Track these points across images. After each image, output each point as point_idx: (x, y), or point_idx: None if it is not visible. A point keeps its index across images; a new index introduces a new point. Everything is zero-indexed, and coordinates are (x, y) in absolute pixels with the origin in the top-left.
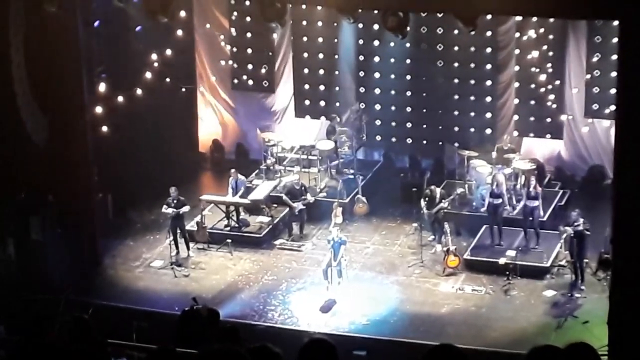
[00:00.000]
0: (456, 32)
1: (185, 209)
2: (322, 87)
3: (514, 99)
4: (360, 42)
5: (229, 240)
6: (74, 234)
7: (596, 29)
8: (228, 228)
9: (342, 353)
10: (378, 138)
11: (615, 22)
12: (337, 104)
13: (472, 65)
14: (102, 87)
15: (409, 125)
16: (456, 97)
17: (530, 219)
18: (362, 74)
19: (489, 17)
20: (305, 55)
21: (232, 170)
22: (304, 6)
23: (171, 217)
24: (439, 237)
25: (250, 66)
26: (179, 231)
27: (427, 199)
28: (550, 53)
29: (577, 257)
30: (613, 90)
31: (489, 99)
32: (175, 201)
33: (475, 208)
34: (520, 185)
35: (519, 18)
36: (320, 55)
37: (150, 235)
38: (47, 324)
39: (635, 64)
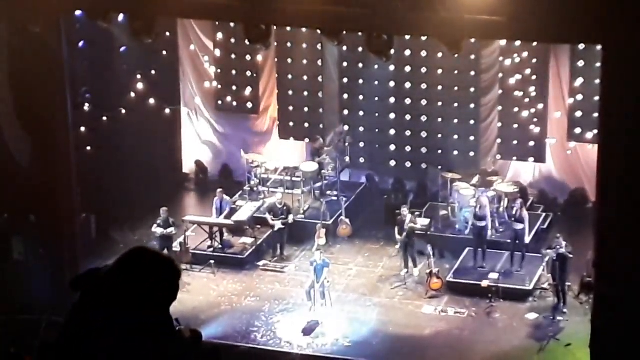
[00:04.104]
0: (440, 55)
1: (172, 230)
2: (306, 109)
3: (497, 122)
4: (345, 64)
5: (212, 261)
6: (56, 254)
7: (579, 54)
8: (211, 249)
9: None
10: (362, 160)
11: (599, 47)
12: (321, 125)
13: (456, 88)
14: (86, 107)
15: (392, 147)
16: (440, 119)
17: (517, 242)
18: (346, 96)
19: (472, 40)
20: (290, 76)
21: (219, 190)
22: (288, 28)
23: (160, 237)
24: (413, 262)
25: (234, 87)
26: (166, 252)
27: (397, 224)
28: (534, 77)
29: (559, 280)
30: (596, 115)
31: (472, 122)
32: (164, 222)
33: (459, 230)
34: (504, 208)
35: (503, 42)
36: (305, 77)
37: None
38: (28, 345)
39: (618, 88)
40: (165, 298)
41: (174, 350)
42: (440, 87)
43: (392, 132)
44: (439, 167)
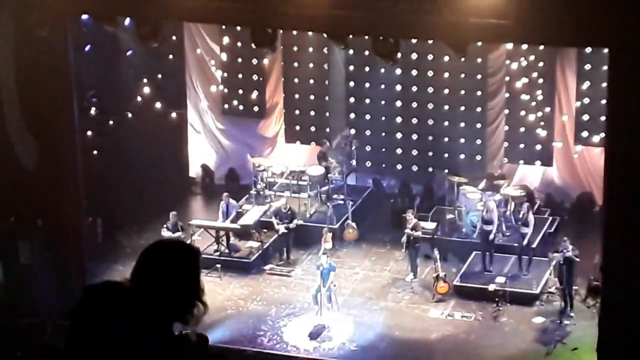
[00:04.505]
0: (447, 58)
1: (180, 234)
2: (312, 113)
3: (504, 125)
4: (351, 68)
5: (219, 265)
6: (63, 258)
7: (586, 57)
8: (218, 253)
9: None
10: (368, 164)
11: (605, 50)
12: (328, 129)
13: (462, 91)
14: (92, 111)
15: (399, 151)
16: (446, 123)
17: (524, 245)
18: (352, 99)
19: (479, 44)
20: (296, 80)
21: (225, 194)
22: (294, 32)
23: None
24: (413, 266)
25: (240, 91)
26: None
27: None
28: (540, 80)
29: (566, 284)
30: (603, 118)
31: (479, 125)
32: (173, 226)
33: (465, 234)
34: (510, 212)
35: (509, 46)
36: (311, 81)
37: None
38: (34, 349)
39: (625, 91)
40: (188, 286)
41: (180, 354)
42: (446, 91)
43: (399, 135)
44: (446, 171)
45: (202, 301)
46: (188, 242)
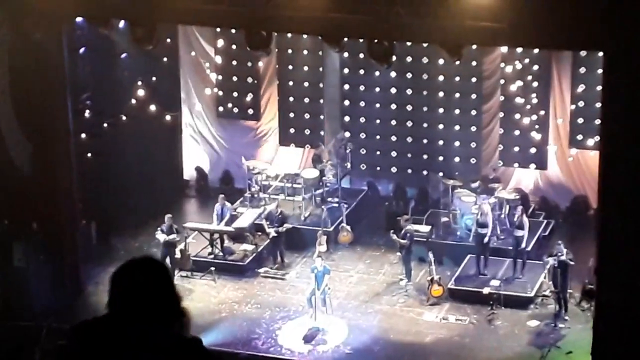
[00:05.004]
0: (441, 61)
1: (174, 236)
2: (307, 116)
3: (499, 128)
4: (346, 71)
5: (213, 268)
6: (57, 260)
7: (581, 60)
8: (212, 256)
9: None
10: (363, 167)
11: (600, 53)
12: (322, 132)
13: (457, 94)
14: (87, 113)
15: (393, 154)
16: (441, 126)
17: (518, 248)
18: (347, 102)
19: (474, 47)
20: (291, 83)
21: (221, 196)
22: (289, 35)
23: (162, 243)
24: (407, 269)
25: (235, 94)
26: (168, 259)
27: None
28: (535, 83)
29: (560, 287)
30: (598, 121)
31: (473, 128)
32: (168, 228)
33: (460, 237)
34: (505, 215)
35: (504, 49)
36: (306, 84)
37: None
38: (29, 351)
39: (619, 95)
40: (163, 297)
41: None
42: (441, 94)
43: (393, 138)
44: (440, 174)
45: (182, 310)
46: (182, 244)
